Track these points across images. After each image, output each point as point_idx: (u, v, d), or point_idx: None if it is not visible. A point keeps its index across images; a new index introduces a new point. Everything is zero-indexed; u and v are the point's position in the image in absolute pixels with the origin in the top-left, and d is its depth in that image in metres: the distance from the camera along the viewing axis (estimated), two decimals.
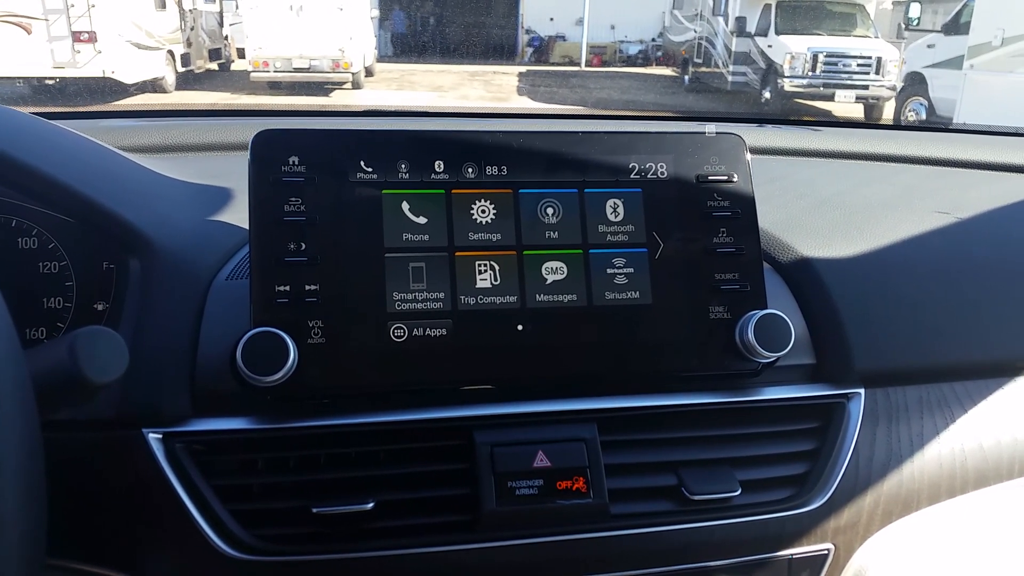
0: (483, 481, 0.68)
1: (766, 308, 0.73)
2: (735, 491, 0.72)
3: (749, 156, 0.77)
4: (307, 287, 0.67)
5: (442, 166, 0.71)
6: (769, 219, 0.76)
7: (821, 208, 0.98)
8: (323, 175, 0.69)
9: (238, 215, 0.82)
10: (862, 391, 0.79)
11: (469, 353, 0.69)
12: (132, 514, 0.67)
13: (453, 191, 0.71)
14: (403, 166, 0.70)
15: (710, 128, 0.77)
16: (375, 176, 0.70)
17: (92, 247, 0.72)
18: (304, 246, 0.67)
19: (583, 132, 0.74)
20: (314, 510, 0.65)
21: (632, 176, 0.74)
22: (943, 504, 0.81)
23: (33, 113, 0.78)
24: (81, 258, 0.72)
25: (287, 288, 0.67)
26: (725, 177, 0.75)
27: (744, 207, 0.75)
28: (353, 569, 0.67)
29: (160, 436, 0.66)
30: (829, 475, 0.76)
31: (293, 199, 0.68)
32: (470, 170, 0.72)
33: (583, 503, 0.69)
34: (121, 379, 0.65)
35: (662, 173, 0.75)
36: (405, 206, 0.70)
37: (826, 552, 0.76)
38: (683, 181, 0.75)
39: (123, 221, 0.70)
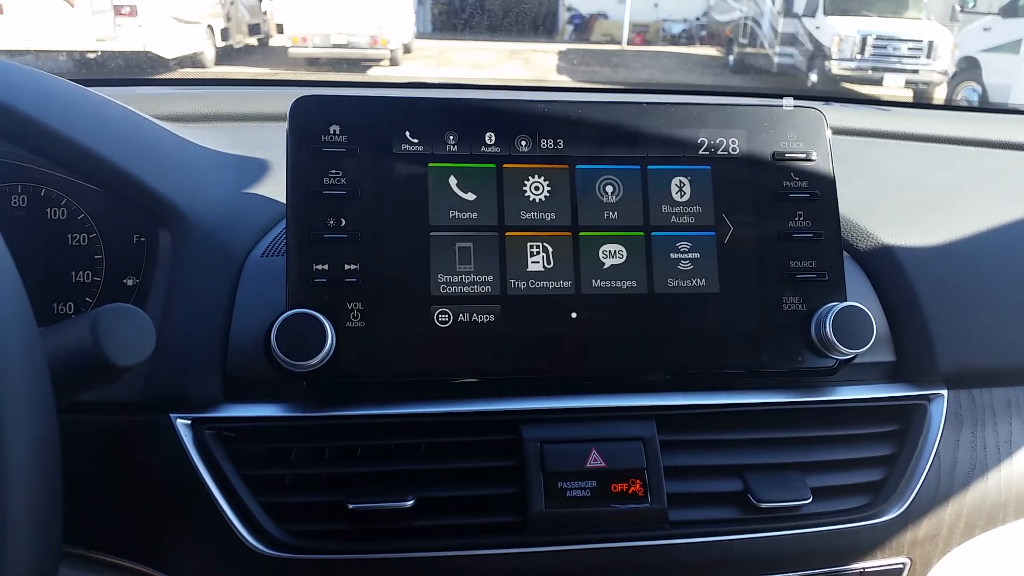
0: (531, 480, 0.63)
1: (845, 300, 0.66)
2: (806, 499, 0.66)
3: (830, 133, 0.70)
4: (347, 266, 0.62)
5: (493, 138, 0.66)
6: (844, 203, 0.70)
7: (898, 192, 0.90)
8: (365, 146, 0.64)
9: (276, 188, 0.78)
10: (945, 392, 0.72)
11: (518, 342, 0.64)
12: (157, 504, 0.63)
13: (504, 166, 0.66)
14: (451, 138, 0.65)
15: (787, 101, 0.70)
16: (421, 148, 0.65)
17: (123, 219, 0.68)
18: (344, 222, 0.63)
19: (647, 103, 0.68)
20: (350, 506, 0.61)
21: (700, 152, 0.68)
22: None
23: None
24: (111, 230, 0.69)
25: (325, 267, 0.62)
26: (803, 155, 0.69)
27: (824, 188, 0.69)
28: (391, 570, 0.62)
29: (188, 422, 0.62)
30: (907, 483, 0.69)
31: (333, 171, 0.63)
32: (523, 143, 0.66)
33: (640, 508, 0.63)
34: (148, 360, 0.61)
35: (734, 149, 0.68)
36: (452, 181, 0.65)
37: (901, 567, 0.70)
38: (757, 159, 0.68)
39: (152, 191, 0.65)
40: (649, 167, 0.67)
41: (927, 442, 0.71)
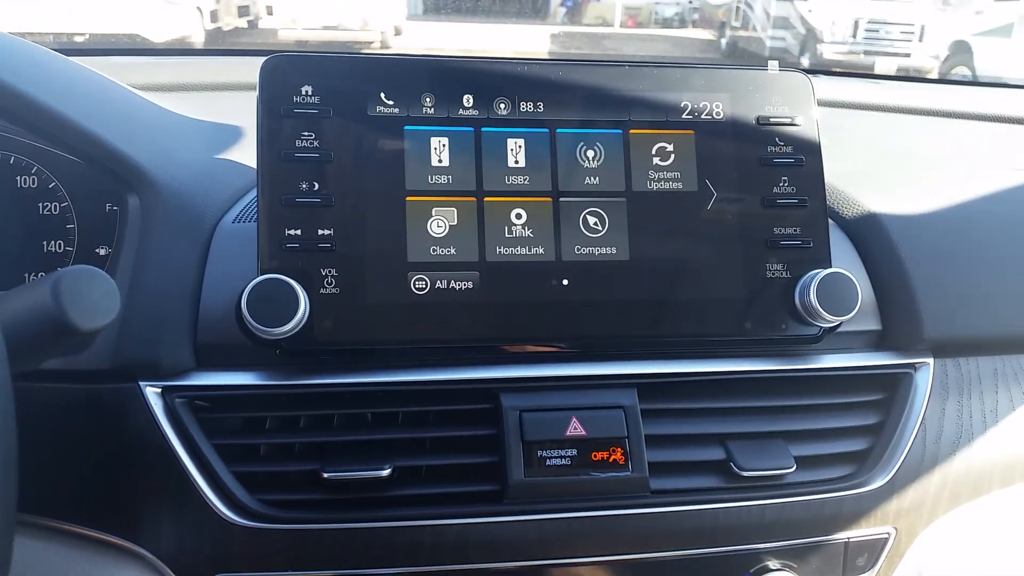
0: (511, 449, 0.62)
1: (830, 267, 0.65)
2: (789, 467, 0.65)
3: (815, 98, 0.69)
4: (320, 231, 0.61)
5: (471, 101, 0.64)
6: (831, 170, 0.69)
7: (886, 161, 0.89)
8: (339, 107, 0.62)
9: (250, 154, 0.76)
10: (931, 361, 0.72)
11: (497, 309, 0.63)
12: (128, 474, 0.61)
13: (483, 129, 0.64)
14: (428, 100, 0.63)
15: (773, 65, 0.69)
16: (397, 110, 0.63)
17: (95, 187, 0.67)
18: (317, 186, 0.61)
19: (629, 65, 0.66)
20: (325, 475, 0.59)
21: (684, 116, 0.67)
22: (1017, 487, 0.74)
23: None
24: (83, 199, 0.67)
25: (298, 232, 0.60)
26: (789, 120, 0.67)
27: (809, 154, 0.67)
28: (367, 540, 0.61)
29: (159, 390, 0.61)
30: (892, 452, 0.69)
31: (306, 133, 0.61)
32: (503, 106, 0.65)
33: (620, 476, 0.62)
34: (116, 326, 0.60)
35: (718, 114, 0.67)
36: (430, 145, 0.63)
37: (886, 536, 0.70)
38: (741, 123, 0.67)
39: (120, 154, 0.63)
40: (631, 131, 0.66)
41: (912, 411, 0.70)
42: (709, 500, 0.64)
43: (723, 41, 11.93)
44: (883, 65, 9.22)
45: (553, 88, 0.65)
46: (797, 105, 0.68)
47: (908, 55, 9.36)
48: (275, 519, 0.60)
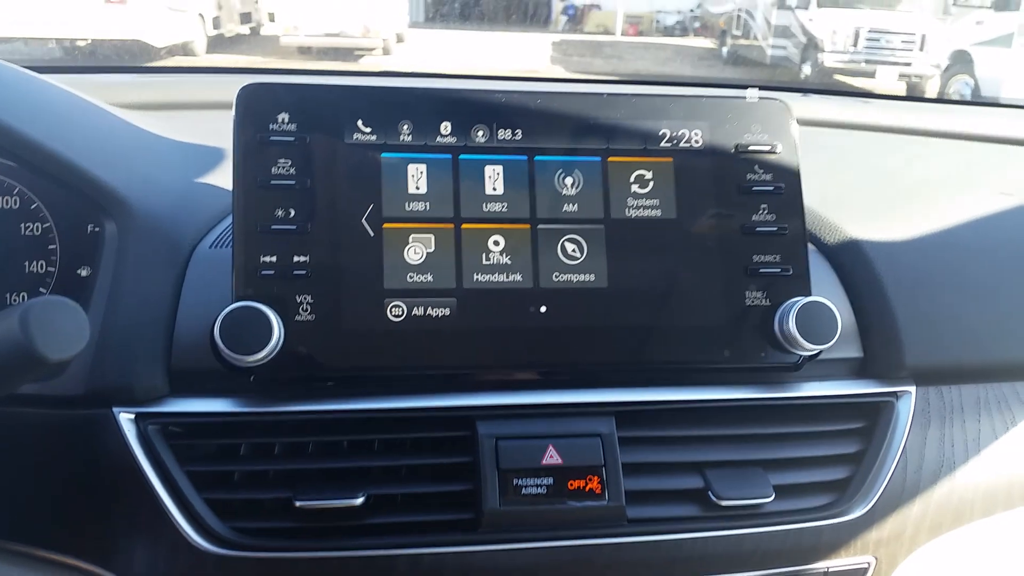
0: (486, 477, 0.61)
1: (810, 295, 0.65)
2: (768, 496, 0.64)
3: (796, 125, 0.68)
4: (296, 258, 0.61)
5: (449, 128, 0.64)
6: (813, 195, 0.69)
7: (871, 185, 0.89)
8: (316, 134, 0.62)
9: (231, 177, 0.76)
10: (913, 389, 0.71)
11: (474, 336, 0.62)
12: (100, 500, 0.61)
13: (461, 156, 0.64)
14: (406, 127, 0.63)
15: (751, 92, 0.69)
16: (374, 137, 0.63)
17: (77, 208, 0.67)
18: (293, 213, 0.61)
19: (608, 94, 0.66)
20: (297, 503, 0.59)
21: (663, 144, 0.66)
22: (999, 517, 0.74)
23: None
24: (65, 220, 0.67)
25: (273, 259, 0.60)
26: (768, 147, 0.67)
27: (788, 181, 0.67)
28: (339, 568, 0.61)
29: (132, 416, 0.60)
30: (873, 481, 0.68)
31: (282, 160, 0.61)
32: (481, 133, 0.64)
33: (597, 505, 0.62)
34: (91, 352, 0.60)
35: (696, 142, 0.67)
36: (407, 172, 0.63)
37: (866, 566, 0.69)
38: (720, 151, 0.67)
39: (95, 179, 0.63)
40: (610, 159, 0.66)
41: (894, 440, 0.70)
42: (686, 529, 0.64)
43: (724, 50, 11.94)
44: (884, 74, 9.23)
45: (532, 116, 0.65)
46: (776, 133, 0.68)
47: (909, 64, 9.37)
48: (247, 547, 0.59)
